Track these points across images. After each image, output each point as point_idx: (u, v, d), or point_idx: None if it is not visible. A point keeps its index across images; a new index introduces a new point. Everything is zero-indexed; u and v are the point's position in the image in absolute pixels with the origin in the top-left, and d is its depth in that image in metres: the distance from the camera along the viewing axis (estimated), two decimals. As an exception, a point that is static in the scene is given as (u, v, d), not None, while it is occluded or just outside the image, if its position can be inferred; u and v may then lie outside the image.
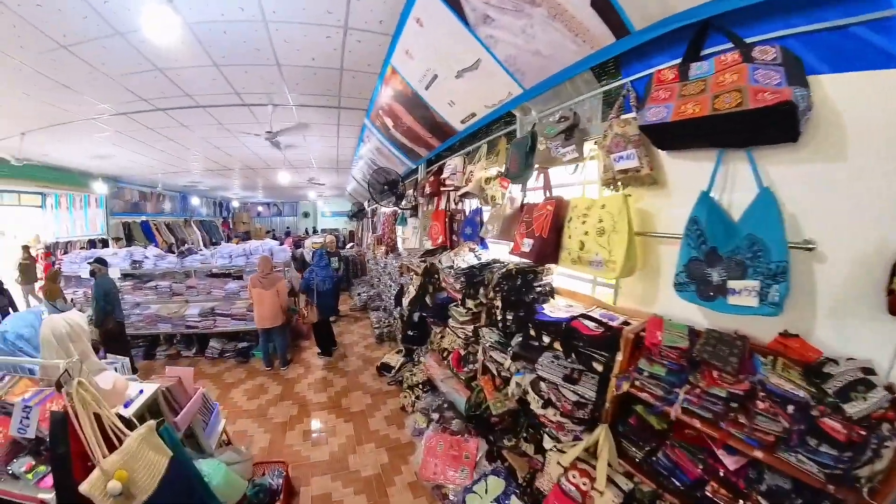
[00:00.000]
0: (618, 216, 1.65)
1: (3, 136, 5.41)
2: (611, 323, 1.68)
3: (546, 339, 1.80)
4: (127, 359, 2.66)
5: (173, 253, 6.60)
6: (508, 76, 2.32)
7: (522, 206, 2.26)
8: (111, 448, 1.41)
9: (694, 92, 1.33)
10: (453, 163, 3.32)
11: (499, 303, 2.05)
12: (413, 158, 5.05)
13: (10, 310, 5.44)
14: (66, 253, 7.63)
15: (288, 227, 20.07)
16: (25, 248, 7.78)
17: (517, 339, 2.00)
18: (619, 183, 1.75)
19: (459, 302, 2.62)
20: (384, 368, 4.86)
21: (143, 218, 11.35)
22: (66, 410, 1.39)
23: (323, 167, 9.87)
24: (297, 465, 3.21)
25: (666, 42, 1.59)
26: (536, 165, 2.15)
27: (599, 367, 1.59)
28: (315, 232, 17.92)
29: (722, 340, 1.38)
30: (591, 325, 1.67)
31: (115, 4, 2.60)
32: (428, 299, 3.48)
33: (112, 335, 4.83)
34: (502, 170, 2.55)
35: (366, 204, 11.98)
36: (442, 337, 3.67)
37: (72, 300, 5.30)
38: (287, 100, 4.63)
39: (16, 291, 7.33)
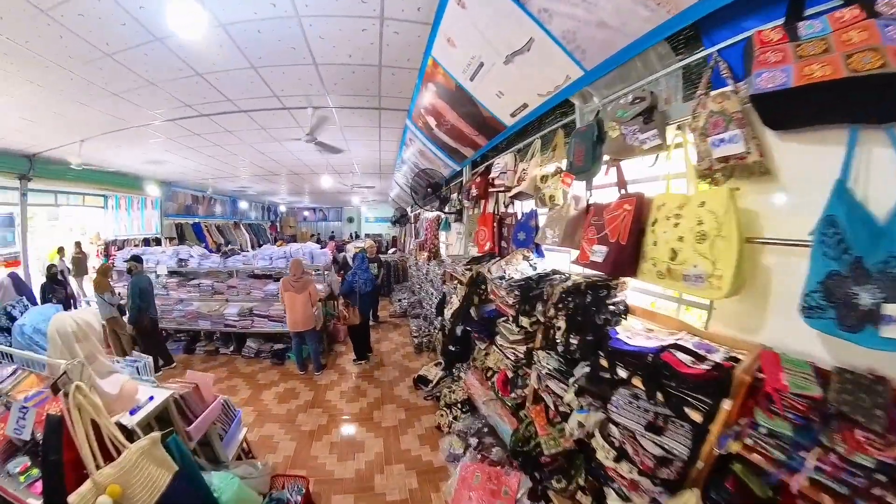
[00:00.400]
0: (723, 216, 1.30)
1: (65, 142, 5.93)
2: (710, 356, 1.33)
3: (622, 373, 1.49)
4: (150, 358, 2.68)
5: (220, 253, 6.91)
6: (566, 56, 2.03)
7: (589, 206, 1.95)
8: (110, 459, 1.34)
9: (815, 52, 1.09)
10: (503, 161, 3.05)
11: (561, 323, 1.74)
12: (457, 160, 4.85)
13: (71, 300, 5.94)
14: (119, 249, 8.36)
15: (332, 232, 20.75)
16: (77, 244, 8.62)
17: (583, 368, 1.69)
18: (719, 174, 1.41)
19: (511, 318, 2.34)
20: (421, 381, 4.66)
21: (195, 220, 12.26)
22: (62, 415, 1.34)
23: (366, 172, 9.99)
24: (319, 480, 3.10)
25: (757, 2, 1.36)
26: (607, 157, 1.85)
27: (697, 417, 1.25)
28: (357, 237, 18.43)
29: (859, 385, 1.05)
30: (686, 358, 1.33)
31: (149, 10, 2.65)
32: (473, 311, 3.22)
33: (146, 331, 5.13)
34: (561, 165, 2.25)
35: (409, 209, 12.04)
36: (486, 354, 3.40)
37: (119, 293, 5.63)
38: (326, 101, 4.62)
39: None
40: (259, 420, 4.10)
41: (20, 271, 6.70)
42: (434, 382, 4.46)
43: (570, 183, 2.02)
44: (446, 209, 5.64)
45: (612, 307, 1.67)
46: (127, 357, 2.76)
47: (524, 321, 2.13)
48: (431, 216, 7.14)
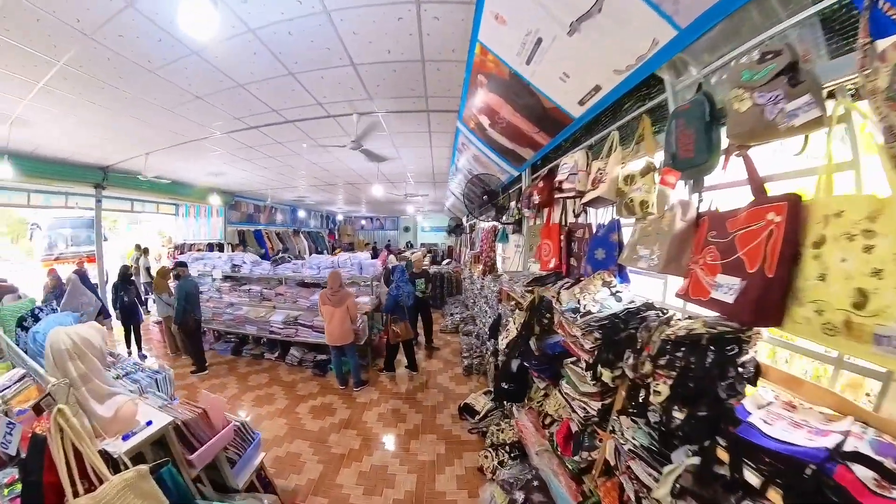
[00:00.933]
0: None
1: (131, 156, 6.55)
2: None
3: (751, 478, 0.97)
4: (171, 371, 2.73)
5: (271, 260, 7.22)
6: (652, 11, 1.54)
7: (700, 216, 1.41)
8: (94, 487, 1.30)
9: None
10: (571, 160, 2.51)
11: (662, 387, 1.22)
12: (515, 163, 4.41)
13: (137, 301, 6.49)
14: (181, 253, 9.15)
15: (389, 241, 21.31)
16: (138, 247, 9.81)
17: (686, 455, 1.18)
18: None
19: (585, 365, 1.84)
20: (467, 411, 4.23)
21: (257, 227, 13.30)
22: (47, 435, 1.33)
23: (420, 181, 9.89)
24: (340, 515, 2.82)
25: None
26: (725, 144, 1.32)
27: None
28: (411, 246, 18.64)
29: None
30: (866, 475, 0.79)
31: (177, 22, 2.59)
32: (533, 344, 2.74)
33: (190, 332, 5.50)
34: (654, 160, 1.71)
35: (464, 219, 11.74)
36: (546, 395, 2.88)
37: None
38: (371, 107, 4.45)
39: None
40: (290, 435, 4.01)
41: (94, 268, 7.77)
42: (481, 415, 4.03)
43: (675, 183, 1.48)
44: (503, 219, 5.19)
45: (741, 370, 1.13)
46: (150, 368, 2.79)
47: (605, 374, 1.62)
48: (488, 226, 6.72)
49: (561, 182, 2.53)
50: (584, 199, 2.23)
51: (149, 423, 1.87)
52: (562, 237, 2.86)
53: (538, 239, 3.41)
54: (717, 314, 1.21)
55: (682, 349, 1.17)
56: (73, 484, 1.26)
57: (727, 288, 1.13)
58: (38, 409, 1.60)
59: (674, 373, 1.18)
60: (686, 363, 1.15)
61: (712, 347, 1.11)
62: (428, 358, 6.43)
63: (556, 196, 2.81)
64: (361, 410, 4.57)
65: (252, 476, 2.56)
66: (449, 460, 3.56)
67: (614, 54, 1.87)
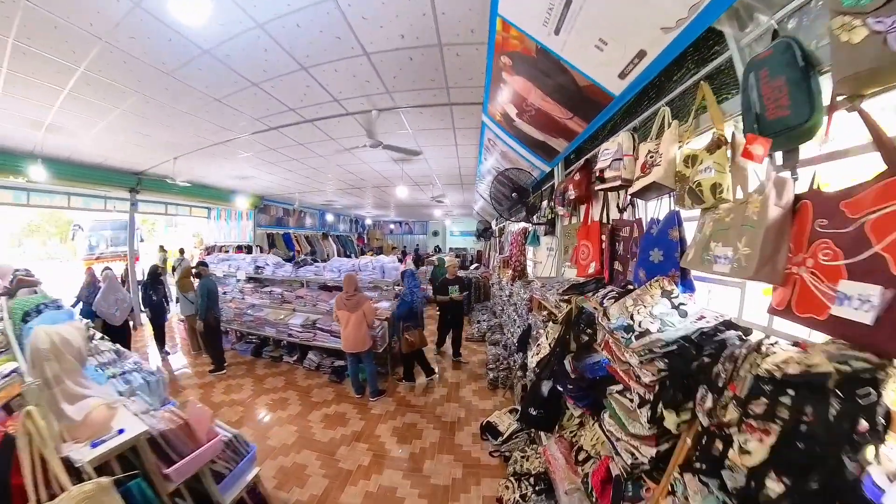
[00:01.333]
0: None
1: (160, 161, 6.77)
2: None
3: None
4: (165, 374, 2.71)
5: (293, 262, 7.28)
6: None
7: (800, 199, 1.03)
8: (57, 494, 1.30)
9: None
10: (613, 145, 2.08)
11: (754, 445, 0.86)
12: (546, 157, 4.07)
13: (165, 300, 6.64)
14: (209, 254, 9.38)
15: (417, 245, 21.42)
16: (162, 248, 10.24)
17: None
18: None
19: (639, 400, 1.44)
20: (489, 431, 3.92)
21: (286, 231, 13.64)
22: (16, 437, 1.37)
23: (447, 184, 9.69)
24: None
25: None
26: (833, 94, 0.93)
27: None
28: (439, 250, 18.48)
29: None
30: None
31: (185, 19, 2.60)
32: (568, 363, 2.39)
33: (211, 328, 5.71)
34: (724, 131, 1.33)
35: (493, 222, 11.41)
36: (581, 424, 2.52)
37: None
38: (390, 101, 4.26)
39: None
40: (298, 444, 3.90)
41: (128, 267, 8.37)
42: (505, 436, 3.70)
43: (764, 155, 1.09)
44: (534, 219, 4.83)
45: (877, 424, 0.77)
46: (145, 369, 2.72)
47: (669, 418, 1.25)
48: (517, 228, 6.36)
49: (602, 171, 2.16)
50: (633, 189, 1.85)
51: (121, 431, 1.75)
52: (603, 237, 2.45)
53: (574, 240, 3.05)
54: (838, 339, 0.85)
55: (789, 392, 0.82)
56: (36, 489, 1.28)
57: (860, 300, 0.77)
58: (8, 409, 1.61)
59: (775, 425, 0.82)
60: (797, 414, 0.79)
61: (839, 394, 0.76)
62: (453, 368, 6.16)
63: (595, 188, 2.42)
64: (375, 422, 4.37)
65: (242, 492, 2.41)
66: (465, 486, 3.27)
67: (661, 6, 1.52)
